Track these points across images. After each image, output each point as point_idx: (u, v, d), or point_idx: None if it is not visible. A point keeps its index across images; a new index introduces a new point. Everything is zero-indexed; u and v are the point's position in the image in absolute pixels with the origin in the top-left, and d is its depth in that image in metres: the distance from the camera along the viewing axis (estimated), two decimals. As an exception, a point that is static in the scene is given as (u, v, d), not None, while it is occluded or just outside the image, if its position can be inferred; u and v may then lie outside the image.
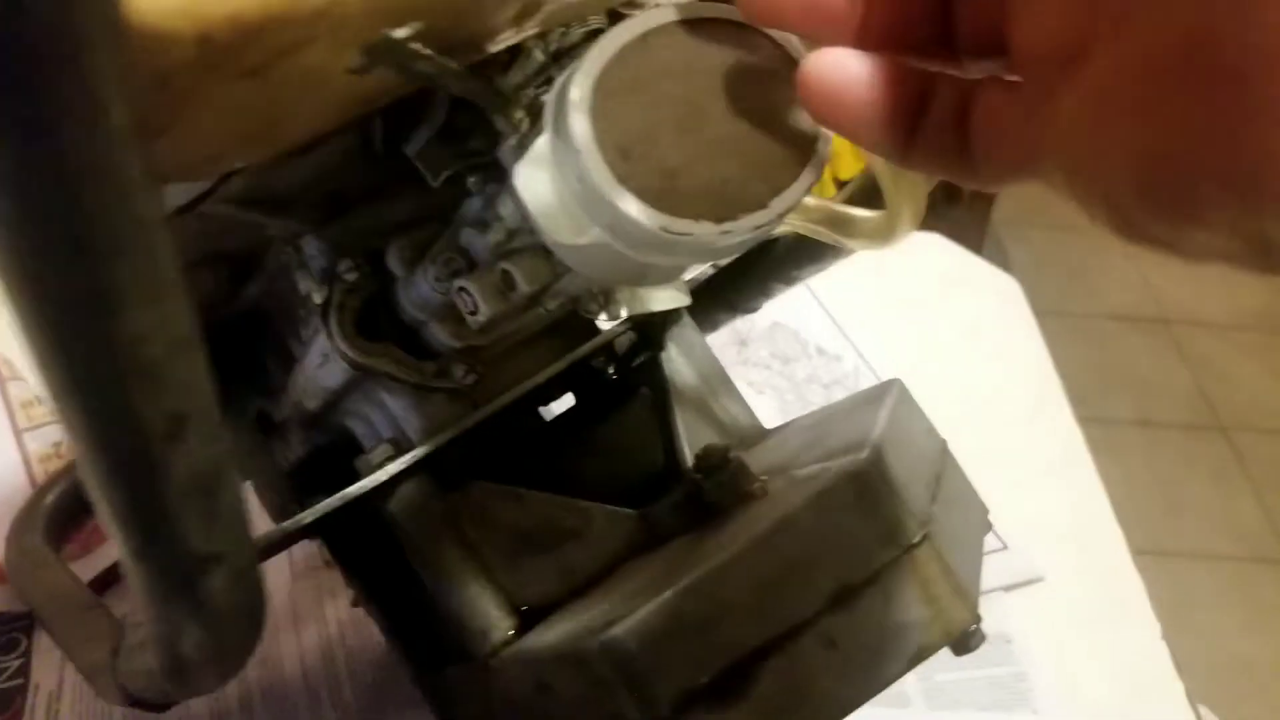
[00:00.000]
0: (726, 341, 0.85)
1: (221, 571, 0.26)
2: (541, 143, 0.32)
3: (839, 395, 0.83)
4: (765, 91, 0.34)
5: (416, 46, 0.27)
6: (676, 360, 0.48)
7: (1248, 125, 0.18)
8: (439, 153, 0.39)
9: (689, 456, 0.44)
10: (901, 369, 0.92)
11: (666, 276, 0.36)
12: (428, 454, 0.40)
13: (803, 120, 0.34)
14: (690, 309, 0.53)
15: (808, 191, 0.34)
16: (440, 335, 0.40)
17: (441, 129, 0.39)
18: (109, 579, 0.64)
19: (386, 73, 0.28)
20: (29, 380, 0.78)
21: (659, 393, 0.46)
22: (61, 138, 0.16)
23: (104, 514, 0.23)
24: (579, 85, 0.31)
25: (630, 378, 0.49)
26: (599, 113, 0.31)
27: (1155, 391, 2.14)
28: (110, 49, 0.15)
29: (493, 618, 0.39)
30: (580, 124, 0.30)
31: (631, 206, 0.30)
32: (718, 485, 0.37)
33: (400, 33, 0.26)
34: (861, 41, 0.26)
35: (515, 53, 0.37)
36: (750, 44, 0.34)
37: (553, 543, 0.40)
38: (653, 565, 0.38)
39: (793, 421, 0.48)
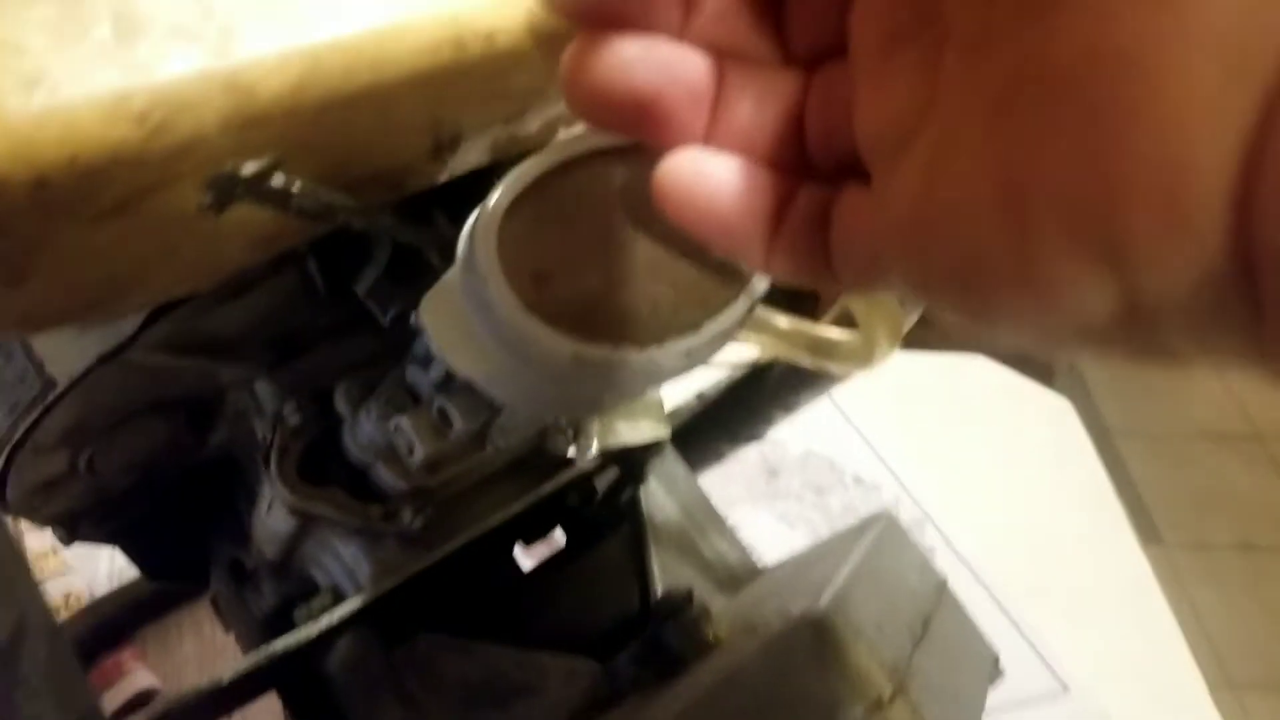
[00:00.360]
0: (756, 471, 0.82)
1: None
2: (452, 272, 0.30)
3: (876, 526, 0.79)
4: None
5: (284, 182, 0.26)
6: (657, 495, 0.45)
7: (1101, 137, 0.15)
8: (388, 291, 0.38)
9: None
10: (946, 498, 0.88)
11: (600, 406, 0.34)
12: (372, 603, 0.38)
13: (741, 238, 0.32)
14: (689, 439, 0.51)
15: (747, 313, 0.32)
16: (387, 477, 0.38)
17: (389, 267, 0.38)
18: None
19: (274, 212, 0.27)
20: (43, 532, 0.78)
21: (636, 531, 0.43)
22: None
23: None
24: (489, 211, 0.29)
25: (614, 515, 0.47)
26: (513, 239, 0.29)
27: (1255, 513, 2.01)
28: None
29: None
30: (485, 249, 0.29)
31: (539, 333, 0.28)
32: (676, 633, 0.34)
33: (248, 169, 0.25)
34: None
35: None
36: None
37: (503, 698, 0.37)
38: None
39: (788, 560, 0.45)
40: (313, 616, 0.38)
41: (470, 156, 0.34)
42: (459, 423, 0.34)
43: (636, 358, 0.29)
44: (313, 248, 0.36)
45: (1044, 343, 0.18)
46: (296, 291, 0.38)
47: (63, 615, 0.71)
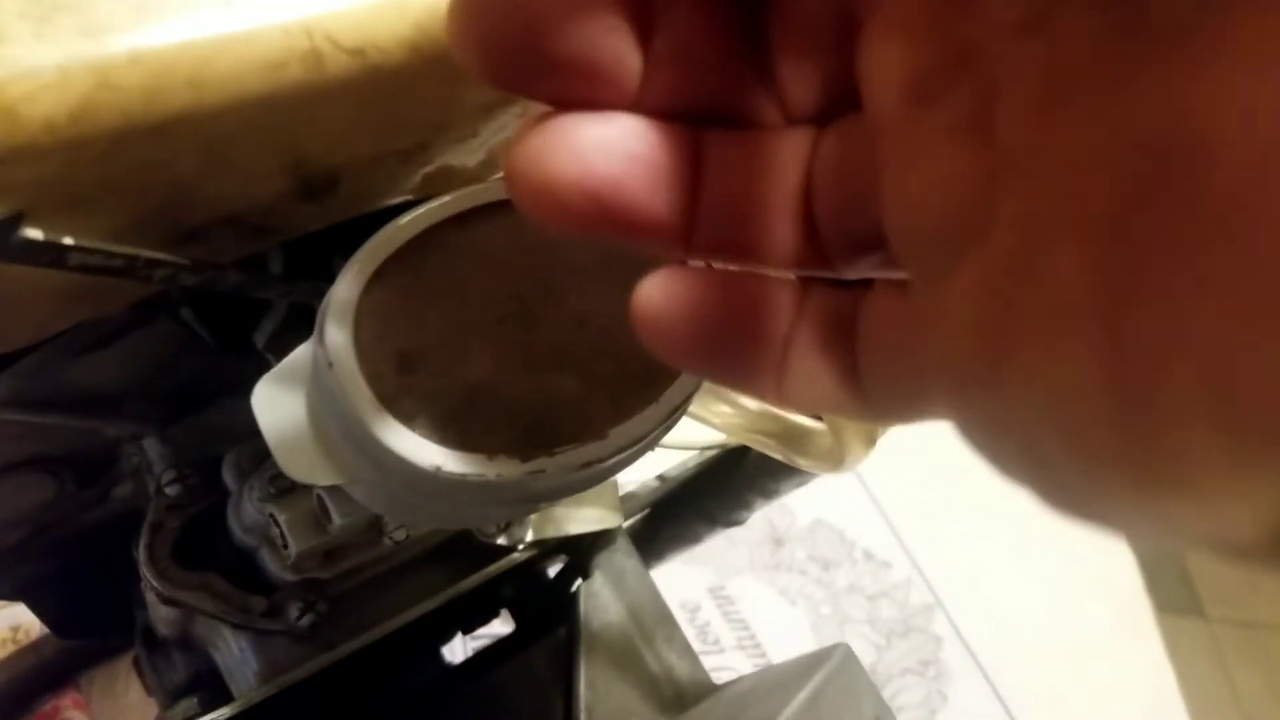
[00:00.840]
0: (761, 539, 0.76)
1: None
2: (300, 353, 0.25)
3: (885, 610, 0.72)
4: (623, 286, 0.26)
5: (45, 236, 0.21)
6: (602, 594, 0.39)
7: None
8: (290, 344, 0.33)
9: (587, 724, 0.35)
10: (961, 582, 0.81)
11: (484, 521, 0.28)
12: (248, 710, 0.32)
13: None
14: (662, 521, 0.45)
15: (671, 418, 0.26)
16: (273, 565, 0.33)
17: (288, 317, 0.33)
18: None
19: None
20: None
21: (569, 637, 0.37)
22: None
23: None
24: (348, 276, 0.24)
25: (562, 604, 0.41)
26: (381, 311, 0.24)
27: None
28: None
29: None
30: (335, 328, 0.23)
31: (397, 437, 0.23)
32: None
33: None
34: (690, 253, 0.18)
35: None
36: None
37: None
38: None
39: (741, 679, 0.39)
40: (175, 726, 0.32)
41: (362, 198, 0.28)
42: (337, 518, 0.28)
43: (517, 472, 0.24)
44: (188, 296, 0.31)
45: (1165, 540, 0.12)
46: (181, 342, 0.33)
47: (9, 649, 0.67)
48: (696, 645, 0.40)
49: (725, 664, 0.65)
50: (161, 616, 0.38)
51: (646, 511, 0.46)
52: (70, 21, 0.20)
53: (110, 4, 0.20)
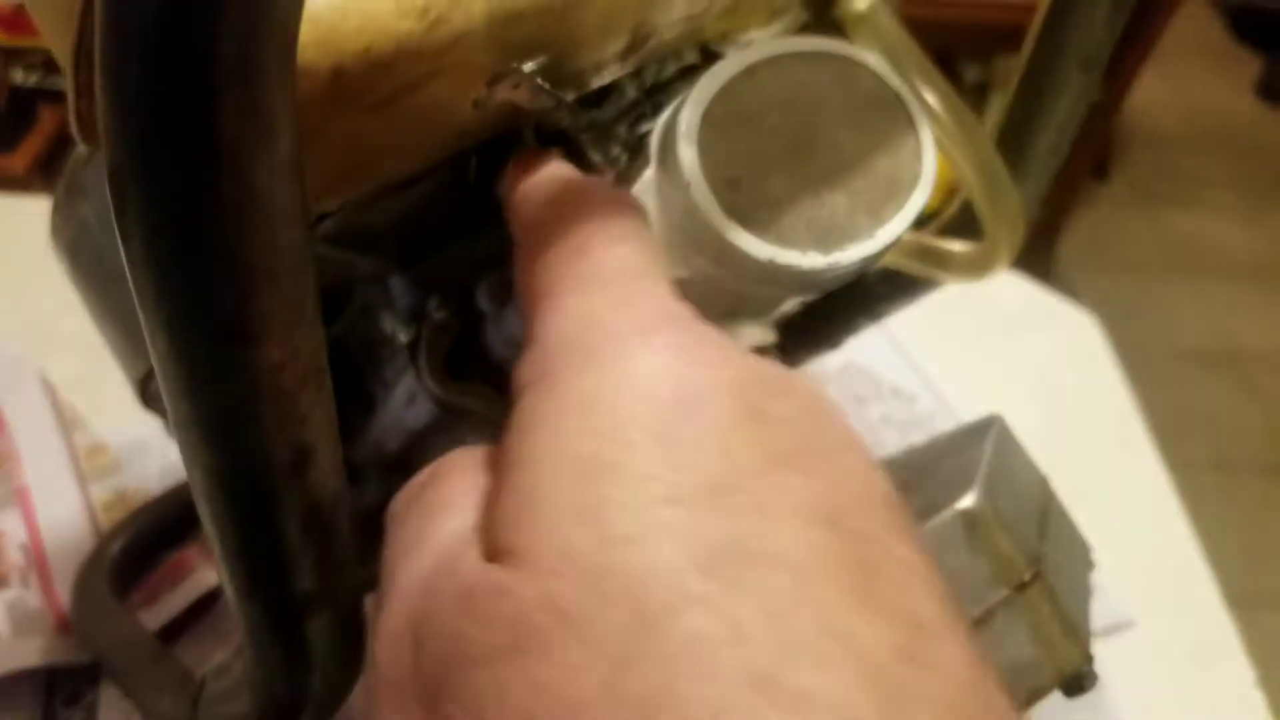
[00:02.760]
0: (799, 381, 0.84)
1: (329, 612, 0.26)
2: (646, 176, 0.32)
3: (915, 437, 0.82)
4: (868, 123, 0.33)
5: (539, 80, 0.27)
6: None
7: None
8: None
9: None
10: (979, 410, 0.91)
11: (760, 310, 0.35)
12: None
13: (906, 152, 0.34)
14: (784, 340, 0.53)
15: (912, 223, 0.34)
16: (530, 373, 0.40)
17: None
18: (176, 628, 0.64)
19: (502, 107, 0.28)
20: (92, 428, 0.78)
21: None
22: (233, 165, 0.15)
23: (217, 550, 0.23)
24: (687, 117, 0.30)
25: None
26: (706, 145, 0.31)
27: (1230, 433, 2.08)
28: (283, 82, 0.15)
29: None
30: (688, 155, 0.30)
31: (741, 238, 0.30)
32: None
33: (529, 66, 0.26)
34: None
35: (607, 89, 0.37)
36: (852, 75, 0.34)
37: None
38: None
39: (892, 458, 0.47)
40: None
41: (643, 56, 0.35)
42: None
43: (821, 263, 0.31)
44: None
45: None
46: (443, 188, 0.39)
47: (117, 513, 0.72)
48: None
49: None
50: (402, 431, 0.44)
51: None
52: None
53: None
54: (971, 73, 1.94)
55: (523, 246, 0.25)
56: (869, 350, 0.86)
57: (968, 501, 0.33)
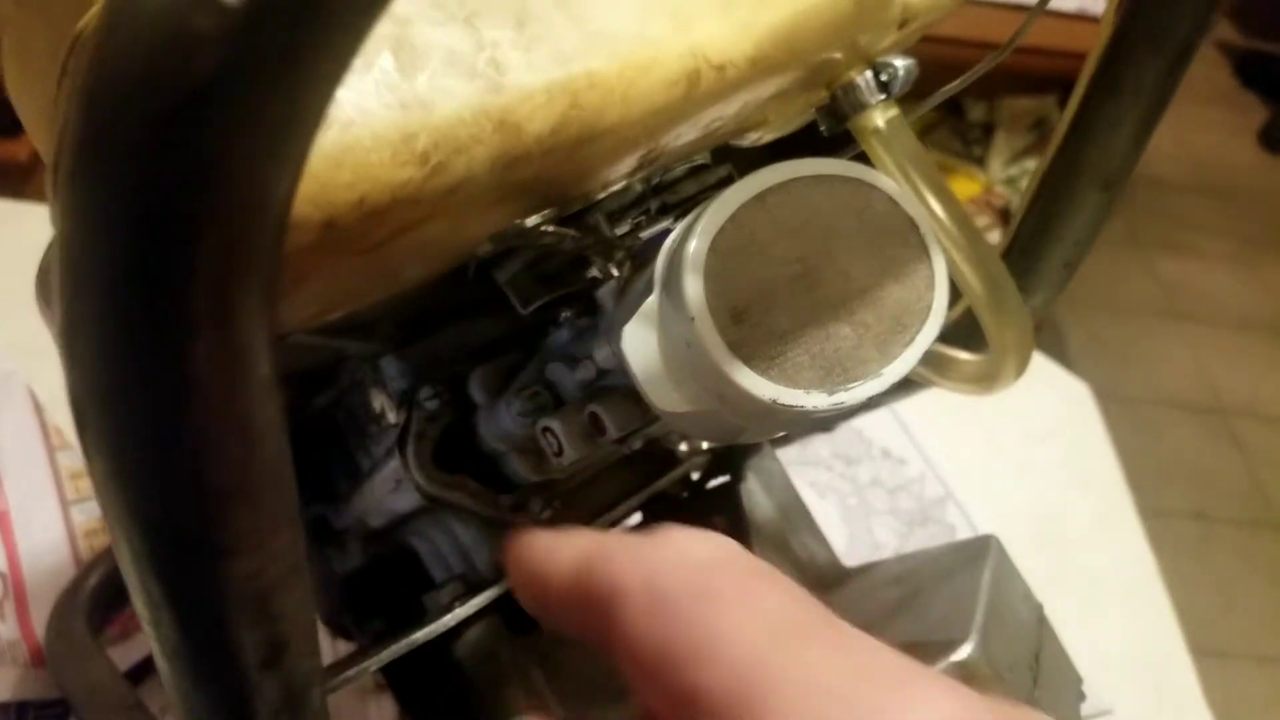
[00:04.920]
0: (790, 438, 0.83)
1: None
2: (650, 303, 0.31)
3: (904, 502, 0.81)
4: (880, 251, 0.32)
5: (543, 226, 0.26)
6: (756, 493, 0.46)
7: None
8: (530, 282, 0.38)
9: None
10: (968, 477, 0.90)
11: (763, 435, 0.34)
12: (505, 592, 0.39)
13: (919, 281, 0.33)
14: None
15: (921, 357, 0.33)
16: (520, 468, 0.39)
17: (533, 259, 0.38)
18: (147, 668, 0.63)
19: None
20: (78, 450, 0.77)
21: (737, 529, 0.44)
22: (203, 400, 0.14)
23: None
24: (695, 247, 0.29)
25: (703, 501, 0.48)
26: (712, 275, 0.30)
27: (1211, 484, 2.08)
28: (260, 312, 0.14)
29: (557, 770, 0.37)
30: (694, 288, 0.29)
31: (744, 376, 0.29)
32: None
33: (532, 221, 0.25)
34: None
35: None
36: (865, 200, 0.33)
37: (622, 693, 0.38)
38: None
39: (876, 566, 0.46)
40: (444, 605, 0.38)
41: (652, 170, 0.34)
42: (612, 430, 0.34)
43: (825, 403, 0.30)
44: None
45: None
46: (444, 277, 0.38)
47: (98, 540, 0.71)
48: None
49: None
50: (384, 511, 0.43)
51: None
52: (547, 51, 0.25)
53: (569, 35, 0.25)
54: (976, 111, 1.94)
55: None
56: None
57: (964, 653, 0.32)
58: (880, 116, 0.35)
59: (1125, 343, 2.35)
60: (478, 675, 0.38)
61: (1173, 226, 2.69)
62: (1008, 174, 1.92)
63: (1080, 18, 1.73)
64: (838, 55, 0.32)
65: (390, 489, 0.41)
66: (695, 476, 0.48)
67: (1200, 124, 3.01)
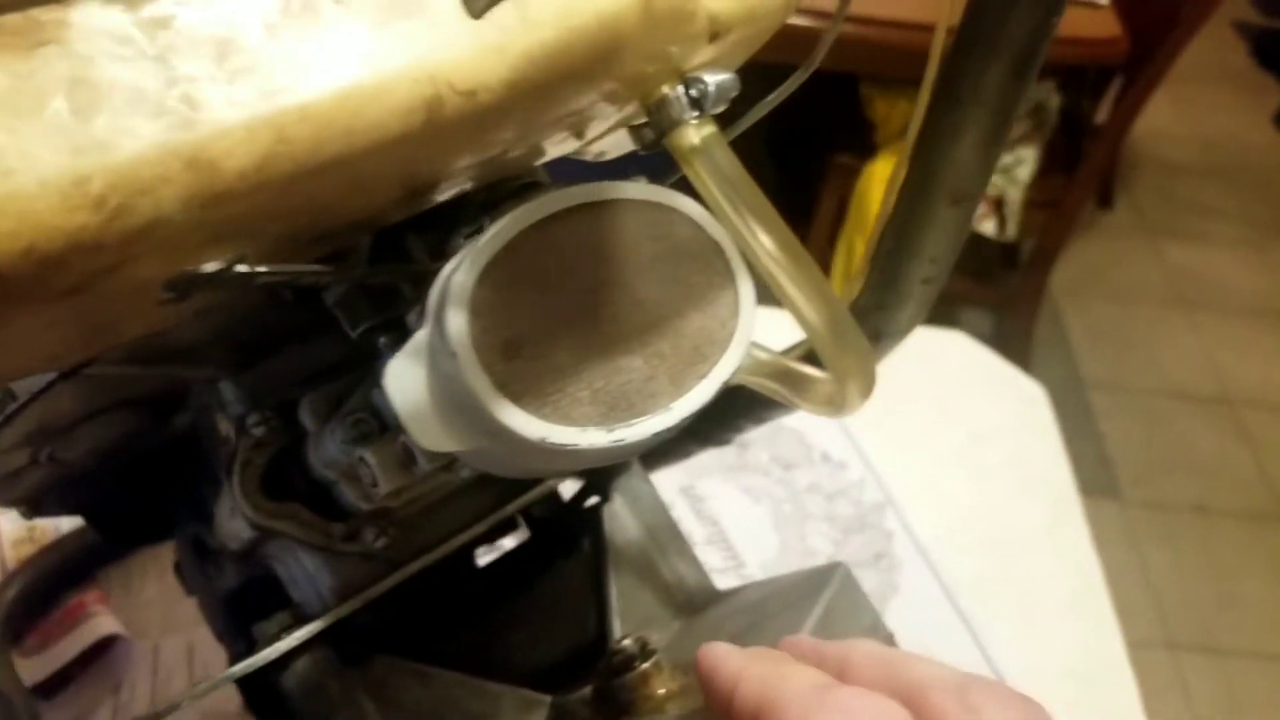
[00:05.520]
0: (728, 442, 0.82)
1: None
2: (420, 336, 0.29)
3: (841, 507, 0.79)
4: (680, 278, 0.31)
5: (247, 268, 0.25)
6: (621, 515, 0.45)
7: None
8: (358, 304, 0.37)
9: (618, 627, 0.41)
10: (910, 480, 0.88)
11: (564, 472, 0.33)
12: (331, 623, 0.38)
13: (722, 308, 0.31)
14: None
15: (720, 389, 0.32)
16: (352, 496, 0.38)
17: (362, 280, 0.37)
18: (61, 680, 0.63)
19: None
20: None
21: (597, 553, 0.43)
22: None
23: None
24: (459, 280, 0.28)
25: (577, 520, 0.47)
26: (485, 307, 0.28)
27: (1214, 475, 2.05)
28: None
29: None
30: (457, 322, 0.28)
31: (509, 415, 0.28)
32: (626, 690, 0.34)
33: (209, 267, 0.24)
34: None
35: (444, 205, 0.35)
36: (666, 225, 0.31)
37: (454, 727, 0.37)
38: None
39: (744, 589, 0.45)
40: (272, 636, 0.37)
41: (445, 193, 0.33)
42: (424, 462, 0.33)
43: (604, 441, 0.29)
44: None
45: None
46: (263, 299, 0.37)
47: (28, 549, 0.71)
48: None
49: (698, 557, 0.72)
50: (233, 536, 0.42)
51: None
52: (252, 84, 0.23)
53: (281, 66, 0.24)
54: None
55: None
56: (802, 412, 0.83)
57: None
58: (695, 134, 0.34)
59: (1129, 331, 2.31)
60: (305, 708, 0.37)
61: (1180, 210, 2.64)
62: (1002, 162, 1.89)
63: (1079, 3, 1.69)
64: (630, 73, 0.30)
65: (229, 515, 0.41)
66: (566, 497, 0.47)
67: (1211, 105, 2.95)
